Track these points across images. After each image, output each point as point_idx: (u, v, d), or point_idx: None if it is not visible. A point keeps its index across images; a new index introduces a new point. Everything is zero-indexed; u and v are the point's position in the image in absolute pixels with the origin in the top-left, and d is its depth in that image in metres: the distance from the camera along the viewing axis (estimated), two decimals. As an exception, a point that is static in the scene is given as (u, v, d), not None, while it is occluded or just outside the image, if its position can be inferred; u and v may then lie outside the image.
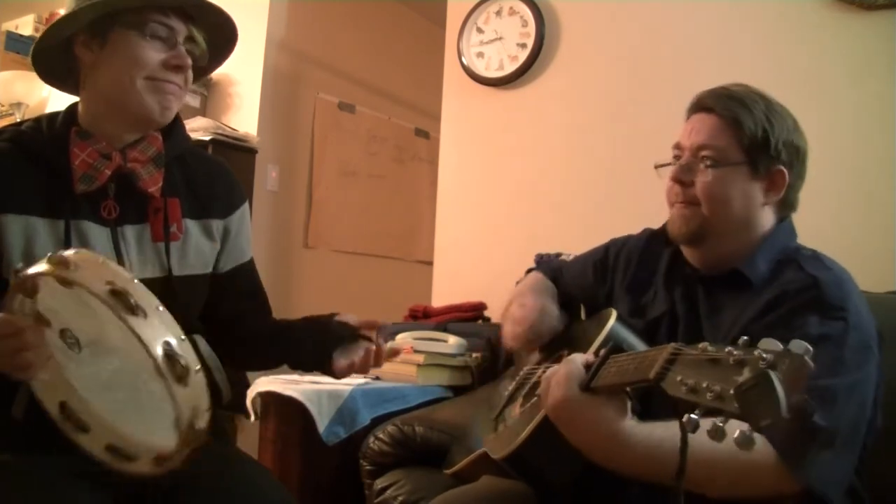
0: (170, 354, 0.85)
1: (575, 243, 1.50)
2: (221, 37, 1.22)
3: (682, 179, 1.17)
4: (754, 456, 0.93)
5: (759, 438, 0.93)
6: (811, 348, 0.66)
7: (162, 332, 0.86)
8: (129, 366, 0.92)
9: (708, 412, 0.70)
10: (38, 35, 1.15)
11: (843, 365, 0.98)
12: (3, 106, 3.45)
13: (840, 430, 0.96)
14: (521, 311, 1.33)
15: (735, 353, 0.70)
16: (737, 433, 0.67)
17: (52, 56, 1.15)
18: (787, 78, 2.09)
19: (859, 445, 1.01)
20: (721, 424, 0.69)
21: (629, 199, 2.30)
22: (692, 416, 0.71)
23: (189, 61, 1.14)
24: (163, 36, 1.12)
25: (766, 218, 1.17)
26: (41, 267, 0.89)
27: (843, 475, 0.98)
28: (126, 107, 1.12)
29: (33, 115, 1.21)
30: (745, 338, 0.72)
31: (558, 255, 1.49)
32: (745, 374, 0.66)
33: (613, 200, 2.37)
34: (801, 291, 1.05)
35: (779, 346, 0.68)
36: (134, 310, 0.84)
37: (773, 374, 0.64)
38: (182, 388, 0.86)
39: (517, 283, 1.53)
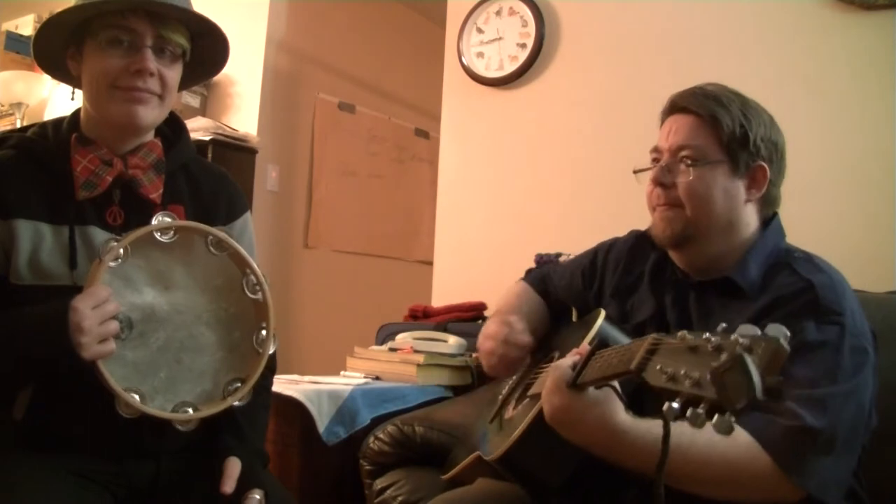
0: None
1: (575, 243, 1.50)
2: (209, 31, 1.17)
3: (664, 182, 1.15)
4: (752, 459, 0.94)
5: (754, 443, 0.94)
6: (788, 333, 0.67)
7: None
8: (183, 320, 1.09)
9: (688, 401, 0.71)
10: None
11: (840, 371, 0.99)
12: (3, 106, 3.44)
13: (839, 435, 0.96)
14: (485, 342, 1.30)
15: (713, 339, 0.70)
16: (715, 418, 0.68)
17: (58, 66, 1.17)
18: (788, 78, 2.09)
19: (858, 448, 1.01)
20: (700, 412, 0.69)
21: (629, 198, 2.28)
22: (673, 404, 0.71)
23: (151, 65, 1.09)
24: (125, 41, 1.08)
25: (751, 216, 1.16)
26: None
27: (843, 478, 0.99)
28: (104, 116, 1.12)
29: (33, 115, 1.21)
30: (724, 325, 0.72)
31: (558, 255, 1.49)
32: (723, 358, 0.67)
33: (613, 200, 2.36)
34: (796, 296, 1.05)
35: (756, 331, 0.68)
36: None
37: (747, 357, 0.65)
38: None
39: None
